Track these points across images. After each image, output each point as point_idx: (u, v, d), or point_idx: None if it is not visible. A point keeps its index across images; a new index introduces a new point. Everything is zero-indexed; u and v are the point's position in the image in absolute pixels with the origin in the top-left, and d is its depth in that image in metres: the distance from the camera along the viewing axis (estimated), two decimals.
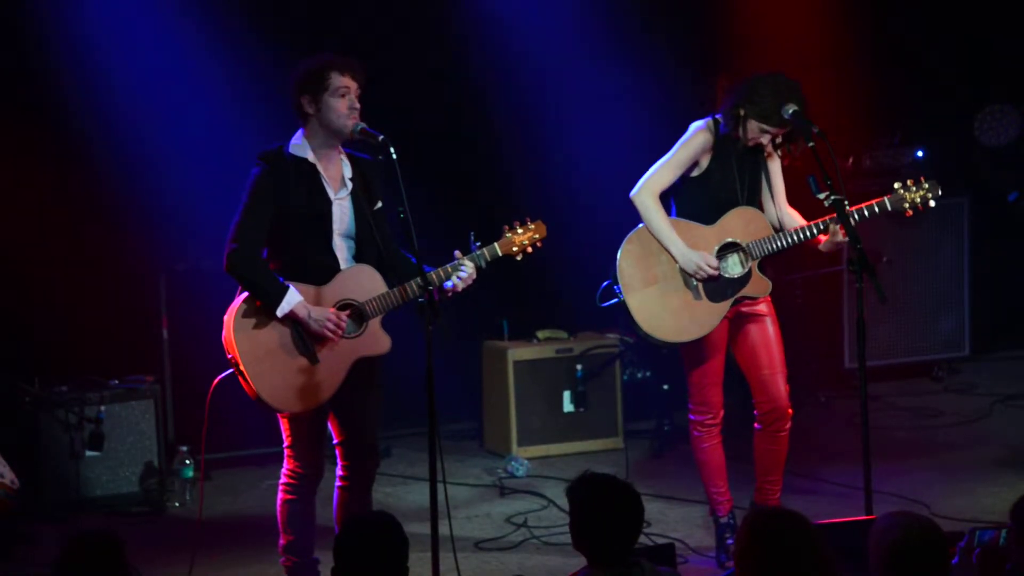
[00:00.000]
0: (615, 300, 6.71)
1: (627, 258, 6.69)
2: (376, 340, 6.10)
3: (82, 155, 8.43)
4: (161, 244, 8.48)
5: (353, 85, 6.05)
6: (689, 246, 6.63)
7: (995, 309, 10.19)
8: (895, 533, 4.36)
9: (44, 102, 8.37)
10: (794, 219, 6.76)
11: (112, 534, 4.51)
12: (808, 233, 6.60)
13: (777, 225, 6.75)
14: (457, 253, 6.13)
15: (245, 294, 6.03)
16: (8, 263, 8.15)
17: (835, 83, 9.44)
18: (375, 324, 6.09)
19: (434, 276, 6.03)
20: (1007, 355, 10.19)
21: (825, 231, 6.56)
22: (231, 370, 6.05)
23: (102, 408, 7.95)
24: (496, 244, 6.21)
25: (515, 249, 6.26)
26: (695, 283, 6.66)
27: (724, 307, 6.67)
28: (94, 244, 8.45)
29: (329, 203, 6.07)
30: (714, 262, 6.62)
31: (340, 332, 6.01)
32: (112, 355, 8.26)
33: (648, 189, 6.65)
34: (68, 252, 8.40)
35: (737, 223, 6.67)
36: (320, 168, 6.08)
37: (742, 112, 6.53)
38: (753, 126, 6.55)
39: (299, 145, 6.09)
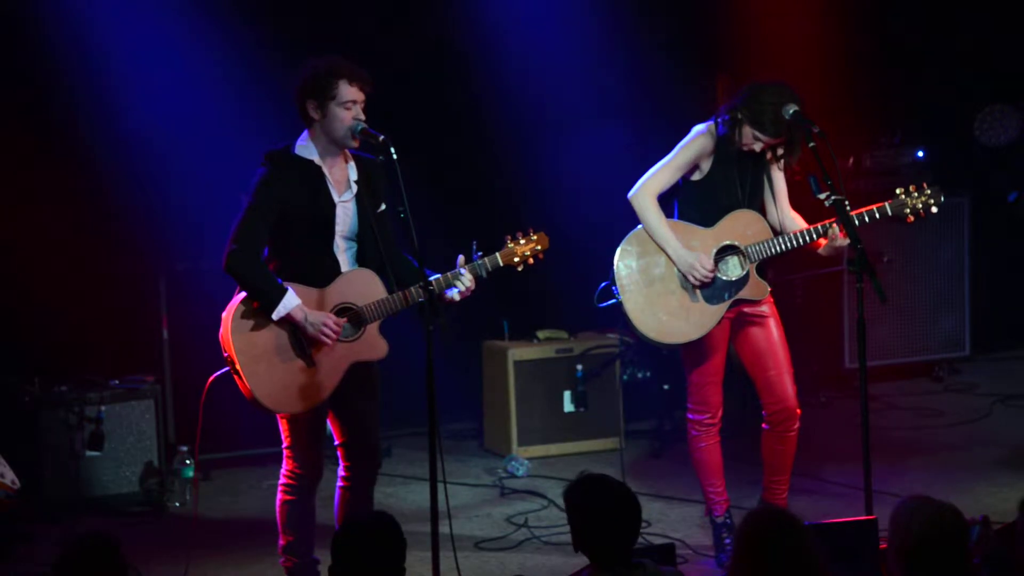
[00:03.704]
0: (612, 301, 6.71)
1: (625, 259, 6.69)
2: (373, 345, 6.09)
3: (82, 155, 8.41)
4: (161, 244, 8.47)
5: (361, 97, 6.02)
6: (688, 248, 6.63)
7: (995, 309, 10.19)
8: (919, 521, 4.39)
9: (45, 103, 8.37)
10: (796, 222, 6.75)
11: (108, 536, 4.51)
12: (807, 237, 6.60)
13: (778, 228, 6.74)
14: (460, 258, 6.12)
15: (244, 293, 6.03)
16: (8, 263, 8.14)
17: (835, 83, 9.44)
18: (373, 329, 6.08)
19: (434, 283, 6.01)
20: (1007, 355, 10.19)
21: (825, 235, 6.55)
22: (227, 368, 6.05)
23: (102, 408, 7.94)
24: (497, 254, 6.20)
25: (516, 260, 6.25)
26: (692, 285, 6.66)
27: (721, 309, 6.67)
28: (95, 244, 8.44)
29: (333, 206, 6.06)
30: (709, 264, 6.61)
31: (336, 337, 6.00)
32: (112, 355, 8.26)
33: (646, 190, 6.65)
34: (68, 252, 8.38)
35: (736, 226, 6.67)
36: (325, 170, 6.07)
37: (739, 116, 6.54)
38: (747, 132, 6.55)
39: (304, 147, 6.08)
